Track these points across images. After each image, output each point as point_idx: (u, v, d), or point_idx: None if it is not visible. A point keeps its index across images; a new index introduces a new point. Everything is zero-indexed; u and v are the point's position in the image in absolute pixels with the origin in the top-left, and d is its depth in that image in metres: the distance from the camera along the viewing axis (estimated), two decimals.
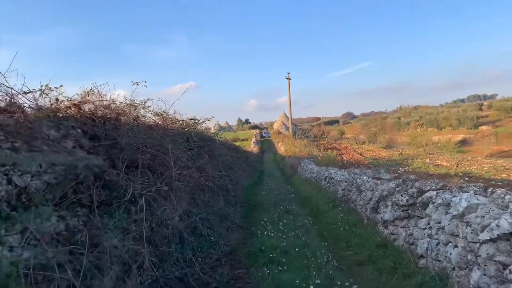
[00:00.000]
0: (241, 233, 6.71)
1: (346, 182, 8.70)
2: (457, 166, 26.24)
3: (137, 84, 4.76)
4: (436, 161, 32.44)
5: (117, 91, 4.65)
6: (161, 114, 5.75)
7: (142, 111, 4.87)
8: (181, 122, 6.52)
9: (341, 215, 7.18)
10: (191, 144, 6.44)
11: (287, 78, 54.92)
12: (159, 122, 5.76)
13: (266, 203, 9.54)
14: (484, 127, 47.66)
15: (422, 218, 4.27)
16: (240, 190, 11.16)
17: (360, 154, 40.41)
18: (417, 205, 4.39)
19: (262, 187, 13.97)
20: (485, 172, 23.35)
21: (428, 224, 4.04)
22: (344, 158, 35.13)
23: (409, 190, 4.67)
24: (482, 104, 69.12)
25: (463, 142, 43.04)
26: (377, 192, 5.88)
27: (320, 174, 12.77)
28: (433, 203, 4.03)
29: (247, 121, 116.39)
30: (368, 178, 6.93)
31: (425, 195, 4.27)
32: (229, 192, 8.71)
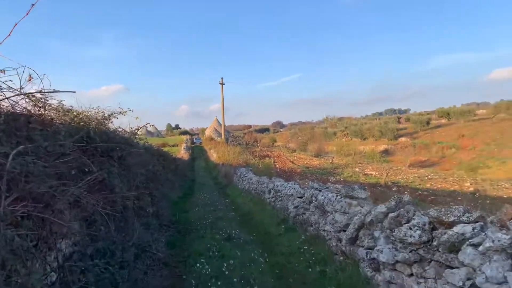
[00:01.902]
0: (166, 275, 4.63)
1: (300, 198, 7.15)
2: (386, 176, 27.36)
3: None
4: (365, 170, 33.83)
5: None
6: (34, 97, 3.44)
7: None
8: (75, 114, 4.22)
9: (299, 243, 5.54)
10: (91, 148, 4.20)
11: (220, 83, 53.07)
12: (31, 109, 3.44)
13: (200, 224, 7.50)
14: (403, 139, 52.08)
15: (451, 267, 2.78)
16: (166, 207, 8.92)
17: (293, 162, 40.52)
18: (437, 244, 2.91)
19: (194, 200, 11.81)
20: (411, 182, 24.42)
21: (469, 279, 2.55)
22: (277, 166, 34.65)
23: (417, 221, 3.18)
24: (400, 117, 75.79)
25: (385, 152, 46.07)
26: (356, 217, 4.34)
27: (262, 185, 11.15)
28: (474, 245, 2.56)
29: (177, 127, 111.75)
30: (336, 195, 5.41)
31: (453, 231, 2.79)
32: (150, 213, 6.49)
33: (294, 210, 7.21)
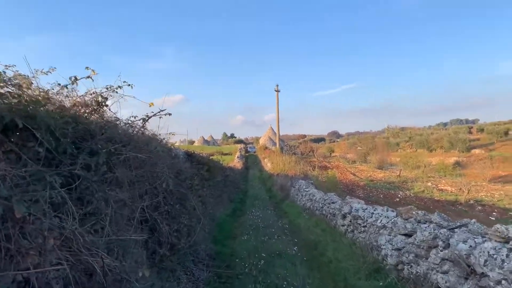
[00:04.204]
0: None
1: (405, 235, 4.53)
2: (468, 193, 23.38)
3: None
4: (439, 185, 29.45)
5: None
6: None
7: None
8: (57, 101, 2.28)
9: None
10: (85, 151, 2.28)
11: (276, 91, 51.54)
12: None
13: (249, 265, 5.23)
14: (476, 151, 45.99)
15: None
16: (207, 231, 6.86)
17: (354, 174, 37.03)
18: None
19: (244, 220, 9.63)
20: (498, 200, 20.53)
21: None
22: (337, 177, 31.61)
23: None
24: (471, 127, 68.10)
25: (457, 165, 40.28)
26: None
27: (331, 205, 8.58)
28: None
29: (232, 136, 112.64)
30: (501, 247, 2.76)
31: None
32: (178, 248, 4.40)
33: (394, 254, 4.59)
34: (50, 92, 2.57)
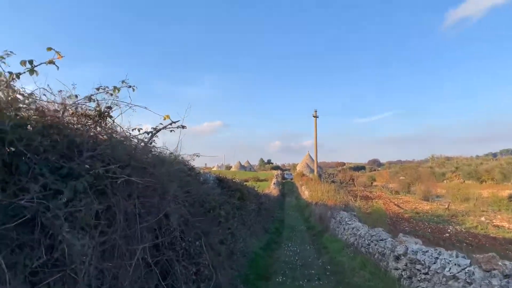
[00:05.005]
0: None
1: None
2: None
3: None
4: (494, 221, 26.36)
5: None
6: None
7: None
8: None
9: None
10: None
11: (314, 116, 50.60)
12: None
13: None
14: None
15: None
16: (236, 268, 5.98)
17: (398, 206, 34.37)
18: None
19: (279, 255, 8.62)
20: None
21: None
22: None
23: None
24: None
25: (510, 199, 36.08)
26: None
27: (379, 243, 7.36)
28: None
29: (269, 162, 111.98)
30: None
31: None
32: None
33: None
34: (34, 96, 1.98)
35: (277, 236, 12.67)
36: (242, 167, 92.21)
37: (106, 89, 2.51)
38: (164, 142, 3.61)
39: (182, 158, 4.43)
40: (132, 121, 3.13)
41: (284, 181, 53.39)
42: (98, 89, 2.46)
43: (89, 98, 2.33)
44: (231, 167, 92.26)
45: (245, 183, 13.31)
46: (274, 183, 40.43)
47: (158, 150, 3.26)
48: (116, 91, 2.64)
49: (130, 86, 2.69)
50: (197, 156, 4.68)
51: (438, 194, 42.45)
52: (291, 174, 64.31)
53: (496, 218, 27.40)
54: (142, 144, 2.91)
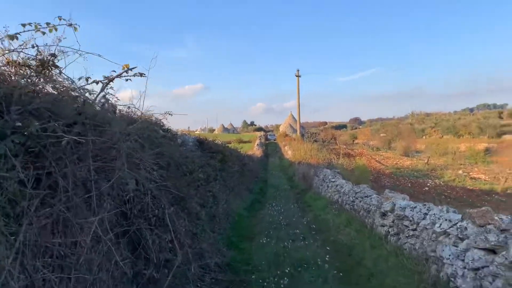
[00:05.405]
0: None
1: (486, 249, 3.25)
2: (505, 181, 21.98)
3: None
4: (471, 173, 27.49)
5: None
6: None
7: None
8: None
9: None
10: None
11: (296, 76, 49.74)
12: None
13: (268, 281, 4.10)
14: (508, 136, 42.92)
15: None
16: (219, 232, 5.78)
17: (379, 162, 35.18)
18: None
19: (263, 215, 8.50)
20: None
21: None
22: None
23: None
24: (502, 112, 64.03)
25: (487, 152, 37.71)
26: None
27: (364, 200, 7.30)
28: None
29: (252, 124, 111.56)
30: None
31: None
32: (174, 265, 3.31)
33: (469, 276, 3.32)
34: None
35: (261, 196, 12.61)
36: (225, 129, 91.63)
37: (38, 26, 1.93)
38: (131, 99, 3.12)
39: (154, 117, 3.98)
40: (87, 75, 2.62)
41: (267, 142, 53.58)
42: (24, 25, 1.87)
43: (26, 44, 1.79)
44: (214, 130, 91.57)
45: (227, 145, 12.97)
46: (257, 144, 40.42)
47: (119, 107, 2.77)
48: (54, 30, 2.08)
49: (70, 24, 2.12)
50: (169, 114, 4.21)
51: (418, 149, 43.42)
52: (274, 135, 64.45)
53: (473, 170, 28.52)
54: (93, 97, 2.41)
